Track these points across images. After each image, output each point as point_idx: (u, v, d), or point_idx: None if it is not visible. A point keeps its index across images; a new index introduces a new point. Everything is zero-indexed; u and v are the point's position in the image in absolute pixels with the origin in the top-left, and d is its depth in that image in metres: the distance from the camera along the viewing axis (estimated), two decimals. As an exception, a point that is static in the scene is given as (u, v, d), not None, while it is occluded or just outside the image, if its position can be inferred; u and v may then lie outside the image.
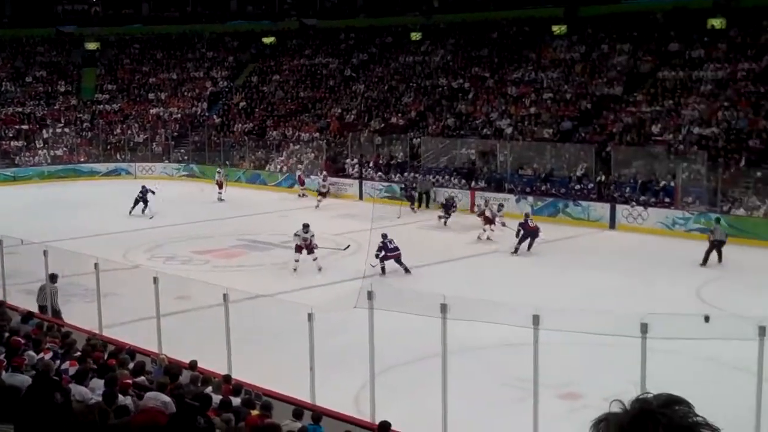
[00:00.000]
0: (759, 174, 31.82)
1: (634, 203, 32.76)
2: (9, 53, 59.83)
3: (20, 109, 55.02)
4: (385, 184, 41.46)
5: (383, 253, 25.04)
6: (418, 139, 43.29)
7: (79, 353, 12.89)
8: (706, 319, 15.37)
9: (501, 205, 32.57)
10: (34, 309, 18.24)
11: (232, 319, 15.04)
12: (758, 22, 39.92)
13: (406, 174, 40.94)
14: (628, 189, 33.88)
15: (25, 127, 53.56)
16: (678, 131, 35.77)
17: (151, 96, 57.77)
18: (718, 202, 31.49)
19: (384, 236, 25.27)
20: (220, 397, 11.25)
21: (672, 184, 32.86)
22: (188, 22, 63.66)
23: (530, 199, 35.00)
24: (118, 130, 54.39)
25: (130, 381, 11.35)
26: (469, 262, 27.80)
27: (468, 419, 13.63)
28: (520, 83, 44.69)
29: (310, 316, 13.66)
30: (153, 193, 36.63)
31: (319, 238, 26.24)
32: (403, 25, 55.22)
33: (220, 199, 41.53)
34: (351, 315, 16.21)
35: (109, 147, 53.10)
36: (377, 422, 11.43)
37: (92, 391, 10.29)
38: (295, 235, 25.77)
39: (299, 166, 45.00)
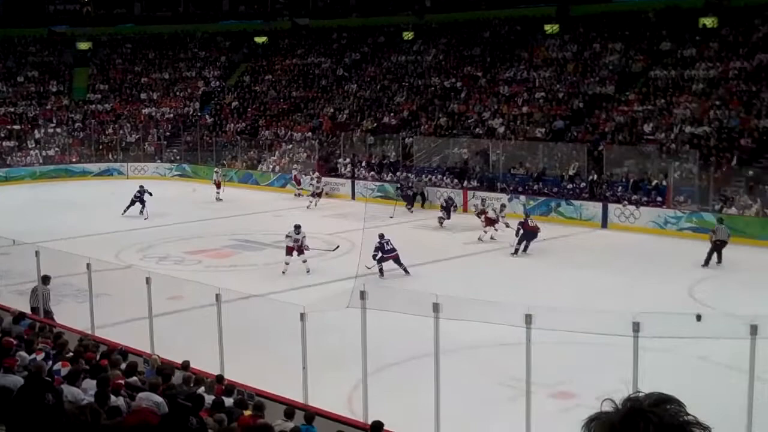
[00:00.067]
0: (751, 173, 31.90)
1: (626, 202, 32.78)
2: (0, 53, 59.64)
3: (12, 109, 54.87)
4: (378, 183, 41.45)
5: (380, 254, 24.70)
6: (411, 139, 43.30)
7: (71, 354, 12.87)
8: (698, 318, 15.40)
9: (503, 205, 32.44)
10: (27, 310, 18.19)
11: (224, 319, 15.02)
12: (750, 20, 40.04)
13: (400, 174, 40.92)
14: (620, 188, 33.93)
15: (16, 127, 53.44)
16: (670, 130, 35.83)
17: (143, 96, 57.69)
18: (710, 201, 31.56)
19: (381, 236, 25.00)
20: (213, 397, 11.23)
21: (664, 183, 32.91)
22: (180, 21, 63.58)
23: (522, 198, 35.00)
24: (110, 130, 54.30)
25: (122, 381, 11.34)
26: (462, 261, 27.77)
27: (461, 419, 13.65)
28: (513, 82, 44.73)
29: (302, 316, 13.65)
30: (150, 194, 36.41)
31: (310, 238, 26.18)
32: (396, 24, 55.24)
33: (218, 199, 41.48)
34: (344, 315, 16.20)
35: (101, 147, 53.01)
36: (370, 422, 11.42)
37: (84, 391, 10.27)
38: (287, 236, 25.59)
39: (295, 166, 44.91)
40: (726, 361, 15.64)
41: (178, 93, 57.87)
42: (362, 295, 13.16)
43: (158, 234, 32.28)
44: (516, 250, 27.87)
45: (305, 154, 46.52)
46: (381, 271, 24.75)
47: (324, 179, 41.41)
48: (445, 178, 39.44)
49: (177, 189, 44.81)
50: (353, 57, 55.18)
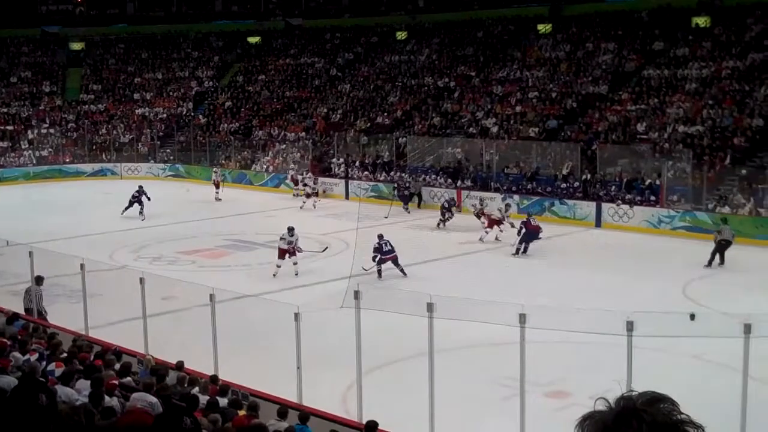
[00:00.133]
0: (744, 172, 31.95)
1: (619, 202, 32.81)
2: (-7, 54, 59.66)
3: (5, 110, 54.79)
4: (372, 183, 41.43)
5: (379, 255, 24.50)
6: (404, 139, 43.30)
7: (65, 354, 12.85)
8: (692, 317, 15.42)
9: (508, 205, 32.36)
10: (20, 310, 18.17)
11: (218, 319, 15.01)
12: (742, 20, 40.13)
13: (394, 174, 40.90)
14: (613, 187, 33.94)
15: (10, 127, 53.34)
16: (663, 129, 35.88)
17: (136, 96, 57.65)
18: (704, 200, 31.60)
19: (380, 237, 24.79)
20: (207, 397, 11.23)
21: (657, 182, 32.94)
22: (173, 21, 63.56)
23: (516, 197, 35.00)
24: (104, 131, 54.22)
25: (116, 382, 11.32)
26: (457, 261, 27.79)
27: (455, 418, 13.65)
28: (506, 82, 44.77)
29: (296, 315, 13.65)
30: (149, 199, 36.06)
31: (303, 238, 26.13)
32: (389, 24, 55.31)
33: (218, 199, 41.46)
34: (338, 314, 16.22)
35: (94, 147, 52.91)
36: (364, 422, 11.43)
37: (78, 392, 10.26)
38: (281, 239, 25.30)
39: (292, 166, 44.79)
40: (720, 360, 15.66)
41: (171, 93, 57.82)
42: (356, 294, 13.18)
43: (152, 234, 32.25)
44: (517, 250, 27.78)
45: (299, 154, 46.49)
46: (379, 272, 24.57)
47: (319, 179, 41.35)
48: (438, 177, 39.42)
49: (170, 189, 44.73)
50: (346, 57, 55.20)
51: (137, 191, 36.25)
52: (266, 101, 54.03)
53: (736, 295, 21.98)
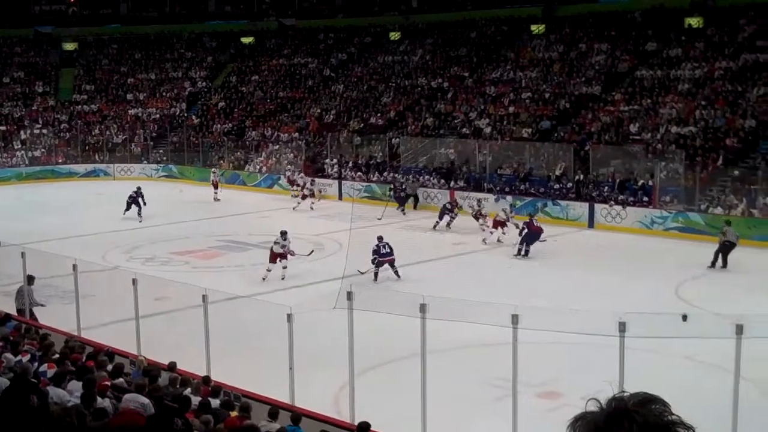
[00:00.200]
0: (736, 173, 32.01)
1: (612, 202, 32.84)
2: (-14, 54, 59.52)
3: (-3, 110, 54.72)
4: (365, 184, 41.40)
5: (376, 257, 24.28)
6: (398, 139, 43.32)
7: (57, 355, 12.83)
8: (684, 318, 15.46)
9: (513, 206, 32.34)
10: (12, 311, 18.14)
11: (211, 320, 15.00)
12: (735, 20, 40.22)
13: (387, 174, 40.87)
14: (606, 188, 33.98)
15: (2, 128, 53.11)
16: (656, 130, 35.92)
17: (129, 96, 57.54)
18: (696, 201, 31.65)
19: (380, 239, 24.61)
20: (199, 398, 11.21)
21: (650, 183, 32.98)
22: (166, 22, 63.44)
23: (509, 198, 35.01)
24: (97, 131, 54.08)
25: (108, 383, 11.30)
26: (450, 261, 27.79)
27: (448, 419, 13.65)
28: (499, 83, 44.80)
29: (289, 316, 13.65)
30: (145, 204, 35.72)
31: (294, 239, 26.04)
32: (382, 24, 55.30)
33: (216, 199, 41.42)
34: (330, 315, 16.21)
35: (87, 148, 52.79)
36: (357, 423, 11.42)
37: (70, 393, 10.24)
38: (275, 243, 24.97)
39: (289, 166, 44.65)
40: (712, 361, 15.68)
41: (164, 93, 57.73)
42: (349, 295, 13.17)
43: (144, 235, 32.22)
44: (519, 251, 27.68)
45: (292, 155, 46.45)
46: (375, 275, 24.33)
47: (316, 181, 41.17)
48: (431, 178, 39.41)
49: (163, 190, 44.66)
50: (340, 57, 55.18)
51: (135, 192, 36.09)
52: (259, 102, 53.98)
53: (728, 295, 22.03)
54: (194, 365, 14.18)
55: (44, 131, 53.73)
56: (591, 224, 32.93)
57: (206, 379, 13.11)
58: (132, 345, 15.79)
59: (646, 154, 34.60)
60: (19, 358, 12.06)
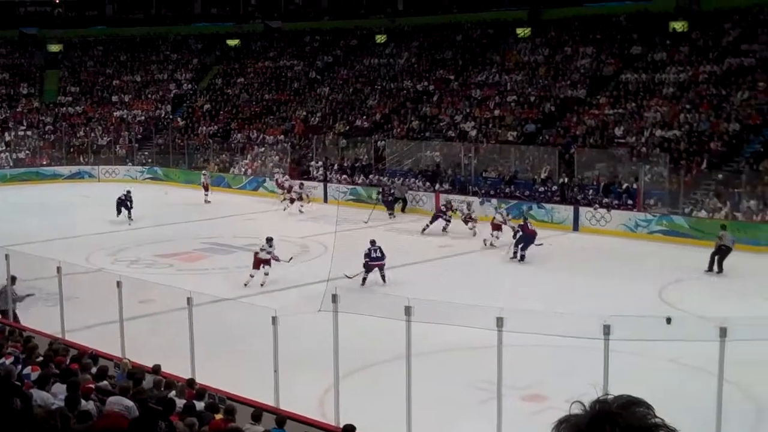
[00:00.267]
0: (720, 176, 32.14)
1: (597, 205, 32.92)
2: (-30, 55, 59.31)
3: (-18, 112, 54.53)
4: (350, 186, 41.37)
5: (367, 261, 24.12)
6: (383, 142, 43.33)
7: (41, 358, 12.78)
8: (668, 320, 15.51)
9: (497, 208, 32.31)
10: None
11: (196, 322, 14.97)
12: (719, 25, 40.39)
13: (373, 177, 40.84)
14: (591, 191, 34.07)
15: (-14, 130, 53.07)
16: (640, 134, 36.05)
17: (114, 98, 57.43)
18: (680, 204, 31.75)
19: (372, 243, 24.44)
20: (184, 401, 11.19)
21: (634, 186, 33.06)
22: (152, 24, 63.35)
23: (494, 201, 35.04)
24: (81, 133, 54.00)
25: (92, 386, 11.27)
26: (437, 264, 27.80)
27: (432, 421, 13.66)
28: (484, 86, 44.86)
29: (274, 319, 13.63)
30: (132, 207, 35.70)
31: (280, 242, 25.99)
32: (368, 27, 55.33)
33: (207, 202, 41.36)
34: (315, 318, 16.19)
35: (72, 150, 52.68)
36: (342, 425, 11.41)
37: (54, 396, 10.19)
38: (261, 249, 24.63)
39: (278, 170, 44.46)
40: (695, 364, 15.74)
41: (149, 95, 57.64)
42: (334, 298, 13.17)
43: (129, 237, 32.14)
44: (515, 254, 27.60)
45: (278, 158, 46.40)
46: (364, 280, 24.14)
47: (305, 184, 41.03)
48: (417, 181, 39.39)
49: (148, 192, 44.53)
50: (326, 60, 55.16)
51: (124, 195, 35.96)
52: (245, 104, 53.92)
53: (712, 298, 22.10)
54: (179, 368, 14.15)
55: (29, 133, 53.61)
56: (576, 227, 33.00)
57: (191, 382, 13.07)
58: (116, 348, 15.73)
59: (631, 158, 34.71)
60: (2, 360, 12.01)
